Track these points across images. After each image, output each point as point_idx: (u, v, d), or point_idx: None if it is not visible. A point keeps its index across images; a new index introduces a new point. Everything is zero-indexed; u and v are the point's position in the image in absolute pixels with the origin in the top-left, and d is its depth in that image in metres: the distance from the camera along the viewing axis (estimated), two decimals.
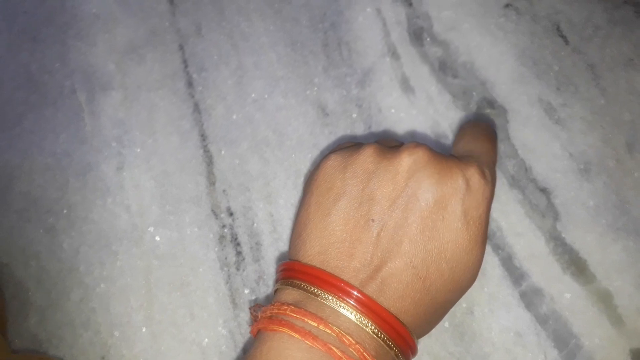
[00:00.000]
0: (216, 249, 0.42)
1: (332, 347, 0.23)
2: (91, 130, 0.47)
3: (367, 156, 0.28)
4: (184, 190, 0.44)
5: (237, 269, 0.41)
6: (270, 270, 0.41)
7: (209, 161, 0.45)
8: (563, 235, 0.40)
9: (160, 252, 0.42)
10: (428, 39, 0.48)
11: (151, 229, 0.43)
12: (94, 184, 0.45)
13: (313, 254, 0.27)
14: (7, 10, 0.53)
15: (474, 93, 0.45)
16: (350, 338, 0.23)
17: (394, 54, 0.47)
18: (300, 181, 0.43)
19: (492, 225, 0.40)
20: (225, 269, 0.41)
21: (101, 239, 0.43)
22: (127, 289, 0.41)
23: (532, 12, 0.48)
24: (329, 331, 0.24)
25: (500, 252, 0.40)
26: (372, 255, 0.25)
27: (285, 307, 0.25)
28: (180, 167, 0.45)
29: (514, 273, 0.39)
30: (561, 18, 0.47)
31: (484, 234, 0.28)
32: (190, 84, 0.48)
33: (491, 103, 0.45)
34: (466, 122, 0.40)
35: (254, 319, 0.28)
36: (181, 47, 0.50)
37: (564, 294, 0.38)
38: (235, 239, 0.42)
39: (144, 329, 0.40)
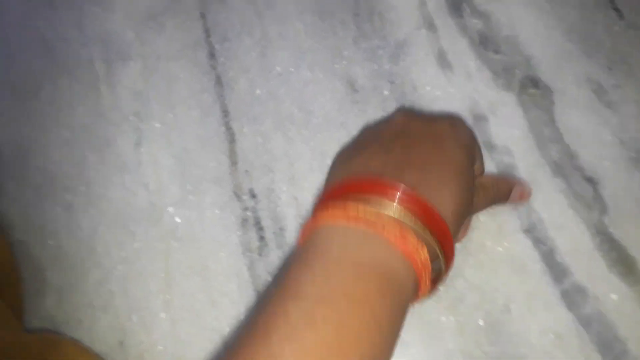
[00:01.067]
0: (238, 232, 0.40)
1: (377, 225, 0.26)
2: (108, 102, 0.45)
3: (366, 127, 0.37)
4: (205, 170, 0.42)
5: (260, 255, 0.39)
6: None
7: (231, 139, 0.42)
8: (610, 230, 0.37)
9: (179, 234, 0.40)
10: (468, 10, 0.44)
11: (170, 209, 0.41)
12: (112, 160, 0.43)
13: (349, 173, 0.31)
14: None
15: (516, 71, 0.42)
16: (398, 215, 0.27)
17: (431, 26, 0.44)
18: (327, 162, 0.41)
19: (533, 217, 0.38)
20: (248, 254, 0.39)
21: (119, 218, 0.41)
22: (146, 272, 0.39)
23: None
24: (379, 212, 0.27)
25: (541, 246, 0.37)
26: (395, 167, 0.29)
27: (332, 202, 0.28)
28: (201, 145, 0.42)
29: (556, 269, 0.36)
30: None
31: (472, 156, 0.33)
32: (212, 55, 0.45)
33: (535, 82, 0.41)
34: None
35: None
36: (203, 15, 0.47)
37: (610, 294, 0.35)
38: (258, 222, 0.40)
39: (162, 315, 0.38)
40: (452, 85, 0.42)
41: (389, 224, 0.26)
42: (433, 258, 0.27)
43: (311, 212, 0.33)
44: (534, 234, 0.37)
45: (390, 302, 0.25)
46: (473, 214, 0.35)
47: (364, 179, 0.29)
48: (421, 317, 0.36)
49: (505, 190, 0.37)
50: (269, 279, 0.38)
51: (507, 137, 0.40)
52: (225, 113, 0.43)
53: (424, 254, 0.26)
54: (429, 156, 0.30)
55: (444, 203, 0.28)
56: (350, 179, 0.30)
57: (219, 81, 0.44)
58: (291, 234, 0.39)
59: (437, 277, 0.29)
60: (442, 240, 0.28)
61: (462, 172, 0.31)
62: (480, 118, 0.41)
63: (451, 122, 0.33)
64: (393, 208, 0.27)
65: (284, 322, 0.24)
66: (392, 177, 0.28)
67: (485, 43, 0.43)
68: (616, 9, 0.42)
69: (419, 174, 0.29)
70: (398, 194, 0.27)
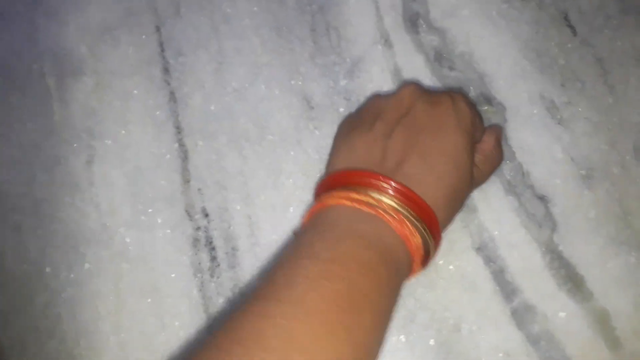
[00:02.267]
0: (190, 253, 0.39)
1: (380, 211, 0.30)
2: (60, 119, 0.44)
3: (373, 98, 0.36)
4: (157, 188, 0.41)
5: (212, 276, 0.38)
6: (246, 278, 0.38)
7: (184, 156, 0.42)
8: (560, 248, 0.37)
9: (130, 255, 0.39)
10: (424, 26, 0.44)
11: (122, 229, 0.40)
12: (62, 179, 0.42)
13: (345, 164, 0.33)
14: None
15: (471, 87, 0.42)
16: (393, 207, 0.30)
17: (387, 42, 0.44)
18: (282, 180, 0.41)
19: (484, 236, 0.38)
20: (199, 275, 0.38)
21: (69, 239, 0.40)
22: (95, 295, 0.38)
23: None
24: (376, 204, 0.30)
25: (491, 264, 0.37)
26: (390, 157, 0.32)
27: (339, 194, 0.31)
28: (154, 163, 0.42)
29: (506, 288, 0.37)
30: (569, 6, 0.43)
31: (472, 137, 0.34)
32: (166, 70, 0.45)
33: (489, 99, 0.41)
34: None
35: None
36: (158, 29, 0.46)
37: (559, 312, 0.36)
38: (210, 242, 0.39)
39: (112, 338, 0.37)
40: None
41: (388, 210, 0.30)
42: (423, 241, 0.31)
43: (313, 197, 0.35)
44: (485, 252, 0.37)
45: (390, 273, 0.29)
46: (480, 185, 0.37)
47: (364, 174, 0.31)
48: None
49: (501, 151, 0.38)
50: (220, 300, 0.38)
51: None
52: (178, 129, 0.43)
53: (417, 238, 0.30)
54: (429, 145, 0.33)
55: (438, 193, 0.32)
56: (351, 172, 0.32)
57: (172, 97, 0.44)
58: (243, 254, 0.39)
59: (426, 258, 0.32)
60: (431, 227, 0.31)
61: (460, 160, 0.33)
62: None
63: (455, 104, 0.34)
64: (390, 198, 0.30)
65: (304, 276, 0.27)
66: (390, 168, 0.32)
67: (441, 60, 0.43)
68: (570, 26, 0.43)
69: (416, 165, 0.32)
70: (391, 189, 0.30)
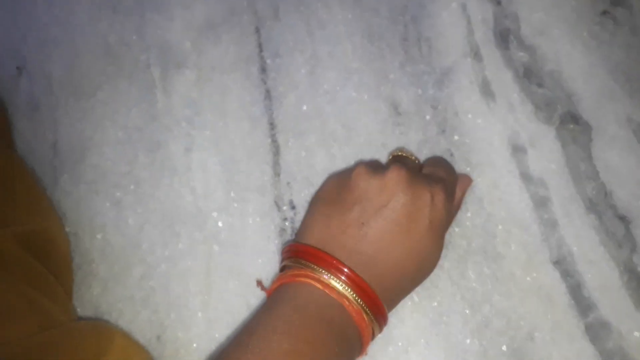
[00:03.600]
0: (276, 241, 0.42)
1: (343, 298, 0.32)
2: (163, 107, 0.47)
3: (358, 174, 0.36)
4: (249, 178, 0.44)
5: None
6: None
7: (276, 151, 0.44)
8: (639, 269, 0.38)
9: (221, 239, 0.42)
10: (514, 42, 0.45)
11: (215, 214, 0.43)
12: (162, 162, 0.45)
13: (316, 240, 0.35)
14: None
15: (558, 106, 0.43)
16: (350, 295, 0.33)
17: (477, 55, 0.45)
18: None
19: (563, 250, 0.39)
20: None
21: (165, 218, 0.43)
22: (187, 273, 0.41)
23: (631, 22, 0.44)
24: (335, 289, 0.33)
25: (569, 279, 0.38)
26: (361, 247, 0.34)
27: (303, 272, 0.33)
28: (248, 154, 0.45)
29: (582, 303, 0.37)
30: None
31: (443, 236, 0.36)
32: (263, 69, 0.47)
33: (576, 118, 0.42)
34: (430, 158, 0.42)
35: (263, 289, 0.38)
36: (257, 30, 0.49)
37: (634, 331, 0.36)
38: (296, 233, 0.42)
39: (200, 314, 0.40)
40: (494, 114, 0.43)
41: (351, 300, 0.32)
42: (370, 324, 0.34)
43: (281, 256, 0.37)
44: (563, 266, 0.38)
45: (347, 357, 0.33)
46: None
47: (335, 262, 0.33)
48: (446, 338, 0.37)
49: (451, 173, 0.39)
50: None
51: (544, 170, 0.41)
52: (272, 126, 0.45)
53: (370, 327, 0.33)
54: (400, 243, 0.34)
55: (398, 287, 0.35)
56: (324, 255, 0.34)
57: (268, 95, 0.46)
58: None
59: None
60: (377, 315, 0.34)
61: (426, 260, 0.36)
62: (519, 149, 0.42)
63: (432, 202, 0.35)
64: (353, 290, 0.33)
65: (278, 350, 0.30)
66: (359, 259, 0.34)
67: (530, 76, 0.44)
68: None
69: (384, 262, 0.34)
70: (353, 284, 0.33)
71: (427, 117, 0.44)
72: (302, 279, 0.33)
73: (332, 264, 0.33)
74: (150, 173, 0.45)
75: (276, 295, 0.34)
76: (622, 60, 0.43)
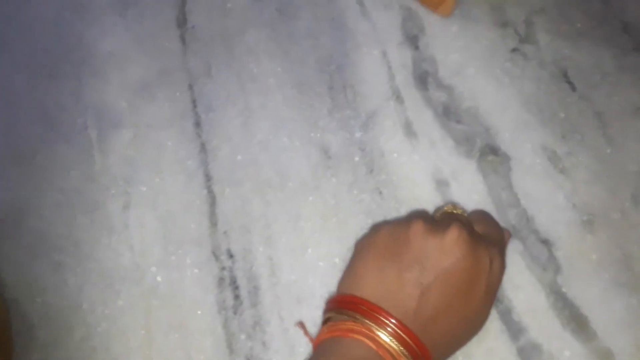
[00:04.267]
0: (215, 291, 0.42)
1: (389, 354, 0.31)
2: (101, 167, 0.48)
3: (416, 230, 0.34)
4: (186, 231, 0.44)
5: (235, 313, 0.41)
6: (266, 315, 0.41)
7: (212, 202, 0.45)
8: (564, 290, 0.39)
9: (160, 293, 0.42)
10: (433, 83, 0.48)
11: (153, 269, 0.43)
12: (101, 221, 0.46)
13: (370, 295, 0.33)
14: (27, 47, 0.55)
15: (477, 139, 0.45)
16: (404, 356, 0.31)
17: (398, 98, 0.48)
18: (301, 224, 0.44)
19: None
20: (223, 312, 0.41)
21: (104, 277, 0.43)
22: (127, 329, 0.41)
23: (539, 57, 0.47)
24: (388, 348, 0.31)
25: (499, 304, 0.39)
26: (419, 309, 0.32)
27: (358, 328, 0.32)
28: (184, 207, 0.45)
29: (513, 327, 0.39)
30: (569, 64, 0.47)
31: (494, 300, 0.36)
32: (198, 124, 0.49)
33: (494, 150, 0.44)
34: (474, 210, 0.41)
35: (308, 335, 0.38)
36: (191, 87, 0.51)
37: (564, 351, 0.37)
38: (234, 282, 0.42)
39: None
40: (417, 152, 0.45)
41: (391, 349, 0.31)
42: None
43: (324, 313, 0.36)
44: None
45: None
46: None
47: (380, 312, 0.32)
48: None
49: (501, 232, 0.39)
50: (242, 336, 0.40)
51: (468, 201, 0.43)
52: (208, 177, 0.46)
53: None
54: (458, 309, 0.33)
55: (449, 351, 0.35)
56: (382, 311, 0.32)
57: (203, 148, 0.48)
58: (264, 293, 0.42)
59: None
60: None
61: (478, 323, 0.35)
62: (442, 183, 0.44)
63: (491, 266, 0.34)
64: (400, 344, 0.31)
65: None
66: (419, 321, 0.32)
67: (448, 114, 0.46)
68: (569, 82, 0.46)
69: (442, 325, 0.33)
70: (404, 334, 0.31)
71: (356, 158, 0.46)
72: (356, 336, 0.32)
73: (389, 323, 0.31)
74: (89, 234, 0.45)
75: (324, 349, 0.33)
76: (533, 92, 0.46)
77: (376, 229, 0.38)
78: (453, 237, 0.33)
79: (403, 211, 0.43)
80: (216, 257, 0.43)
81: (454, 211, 0.39)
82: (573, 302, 0.39)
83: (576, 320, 0.38)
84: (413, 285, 0.33)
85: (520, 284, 0.40)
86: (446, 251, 0.33)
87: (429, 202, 0.43)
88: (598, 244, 0.40)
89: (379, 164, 0.45)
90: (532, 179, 0.43)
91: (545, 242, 0.41)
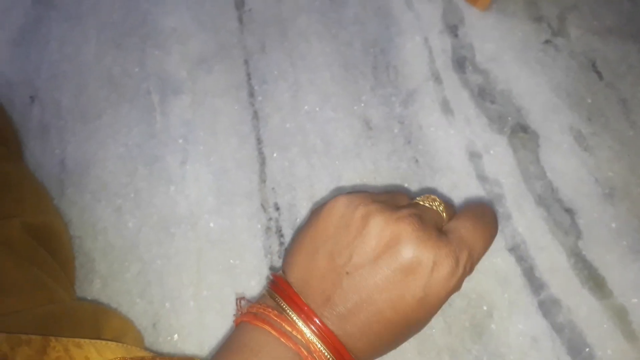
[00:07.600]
0: (262, 238, 0.46)
1: (301, 349, 0.28)
2: (161, 127, 0.53)
3: (365, 212, 0.30)
4: (238, 186, 0.49)
5: (280, 257, 0.45)
6: None
7: (262, 162, 0.50)
8: (584, 253, 0.42)
9: (212, 237, 0.47)
10: (470, 67, 0.52)
11: (206, 216, 0.48)
12: (159, 173, 0.50)
13: (297, 278, 0.31)
14: (97, 21, 0.60)
15: (509, 118, 0.49)
16: (316, 345, 0.28)
17: (437, 79, 0.52)
18: (342, 184, 0.48)
19: (517, 239, 0.43)
20: (269, 256, 0.45)
21: (161, 221, 0.48)
22: (180, 267, 0.46)
23: (569, 49, 0.51)
24: (299, 337, 0.28)
25: (522, 263, 0.43)
26: (340, 300, 0.29)
27: (270, 310, 0.29)
28: (237, 165, 0.50)
29: (534, 283, 0.42)
30: (597, 56, 0.50)
31: (435, 311, 0.30)
32: (251, 94, 0.54)
33: (524, 128, 0.48)
34: (475, 204, 0.35)
35: (239, 311, 0.32)
36: (246, 62, 0.56)
37: (581, 306, 0.41)
38: (280, 230, 0.46)
39: (192, 303, 0.44)
40: (453, 127, 0.49)
41: (313, 352, 0.28)
42: None
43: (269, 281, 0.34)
44: (517, 252, 0.43)
45: None
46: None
47: (306, 309, 0.29)
48: None
49: (486, 241, 0.32)
50: None
51: (498, 172, 0.46)
52: (259, 141, 0.51)
53: None
54: (383, 312, 0.29)
55: (369, 353, 0.30)
56: (299, 301, 0.30)
57: (255, 115, 0.52)
58: None
59: None
60: None
61: (405, 328, 0.30)
62: (475, 155, 0.47)
63: (437, 260, 0.28)
64: (318, 341, 0.29)
65: None
66: (335, 312, 0.29)
67: (483, 95, 0.50)
68: (597, 72, 0.50)
69: (360, 323, 0.29)
70: (322, 334, 0.29)
71: (395, 130, 0.50)
72: (259, 324, 0.29)
73: (311, 323, 0.29)
74: (149, 183, 0.50)
75: (235, 336, 0.31)
76: (563, 79, 0.50)
77: (337, 197, 0.32)
78: (400, 223, 0.29)
79: (437, 178, 0.47)
80: (264, 209, 0.47)
81: (422, 203, 0.33)
82: (592, 264, 0.42)
83: (594, 280, 0.41)
84: (340, 277, 0.29)
85: (544, 245, 0.43)
86: (382, 241, 0.29)
87: (463, 171, 0.47)
88: (618, 214, 0.44)
89: (416, 136, 0.49)
90: (559, 155, 0.47)
91: (569, 211, 0.44)
